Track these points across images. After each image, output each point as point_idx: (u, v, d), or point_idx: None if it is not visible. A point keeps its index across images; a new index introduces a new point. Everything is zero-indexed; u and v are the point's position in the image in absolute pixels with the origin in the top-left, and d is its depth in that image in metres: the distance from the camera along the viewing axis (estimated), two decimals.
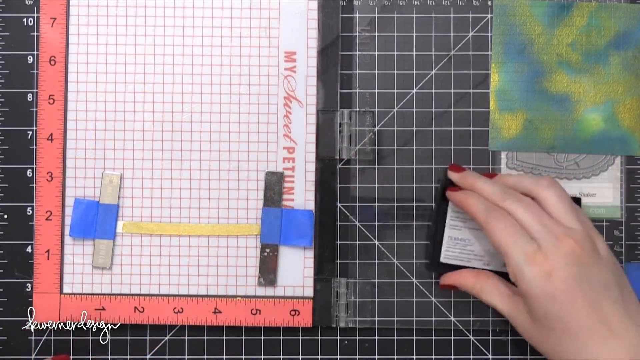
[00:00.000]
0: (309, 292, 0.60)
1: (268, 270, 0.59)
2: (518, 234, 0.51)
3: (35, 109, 0.60)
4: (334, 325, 0.60)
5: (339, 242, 0.60)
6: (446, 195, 0.57)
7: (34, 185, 0.60)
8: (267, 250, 0.59)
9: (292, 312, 0.59)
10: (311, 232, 0.59)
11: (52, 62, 0.60)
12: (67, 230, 0.59)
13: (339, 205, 0.60)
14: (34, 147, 0.60)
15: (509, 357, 0.61)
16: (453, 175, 0.57)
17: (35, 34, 0.61)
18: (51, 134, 0.59)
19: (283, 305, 0.59)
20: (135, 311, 0.59)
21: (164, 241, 0.60)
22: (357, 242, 0.61)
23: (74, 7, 0.60)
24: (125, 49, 0.60)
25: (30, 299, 0.60)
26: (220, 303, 0.59)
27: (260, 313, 0.59)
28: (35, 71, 0.60)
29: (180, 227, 0.60)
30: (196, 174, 0.60)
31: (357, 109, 0.60)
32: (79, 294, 0.59)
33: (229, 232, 0.60)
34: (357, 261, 0.61)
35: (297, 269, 0.60)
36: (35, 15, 0.61)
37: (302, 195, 0.60)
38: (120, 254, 0.60)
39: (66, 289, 0.59)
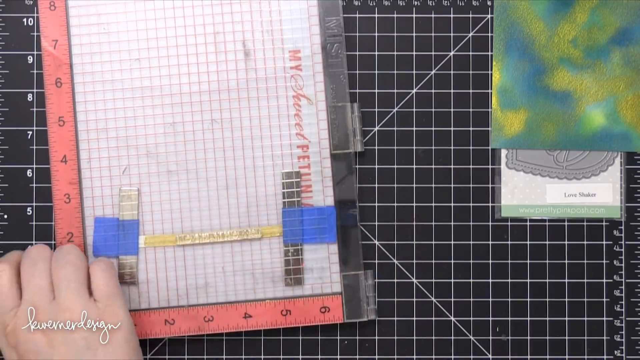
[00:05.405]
0: (337, 287, 0.60)
1: (294, 270, 0.59)
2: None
3: (35, 109, 0.60)
4: (366, 318, 0.60)
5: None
6: None
7: (52, 205, 0.60)
8: (292, 250, 0.59)
9: (322, 309, 0.59)
10: (334, 227, 0.60)
11: (59, 84, 0.59)
12: (90, 250, 0.59)
13: (356, 195, 0.60)
14: (34, 147, 0.60)
15: (509, 357, 0.61)
16: None
17: (35, 34, 0.60)
18: (64, 156, 0.59)
19: (312, 304, 0.59)
20: (165, 324, 0.59)
21: (187, 251, 0.59)
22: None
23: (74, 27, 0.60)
24: (130, 64, 0.59)
25: None
26: (249, 307, 0.59)
27: (290, 314, 0.59)
28: (35, 71, 0.60)
29: (202, 236, 0.59)
30: (213, 182, 0.60)
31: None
32: None
33: (252, 236, 0.59)
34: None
35: (323, 265, 0.60)
36: (35, 15, 0.60)
37: (320, 191, 0.60)
38: (145, 268, 0.59)
39: None
